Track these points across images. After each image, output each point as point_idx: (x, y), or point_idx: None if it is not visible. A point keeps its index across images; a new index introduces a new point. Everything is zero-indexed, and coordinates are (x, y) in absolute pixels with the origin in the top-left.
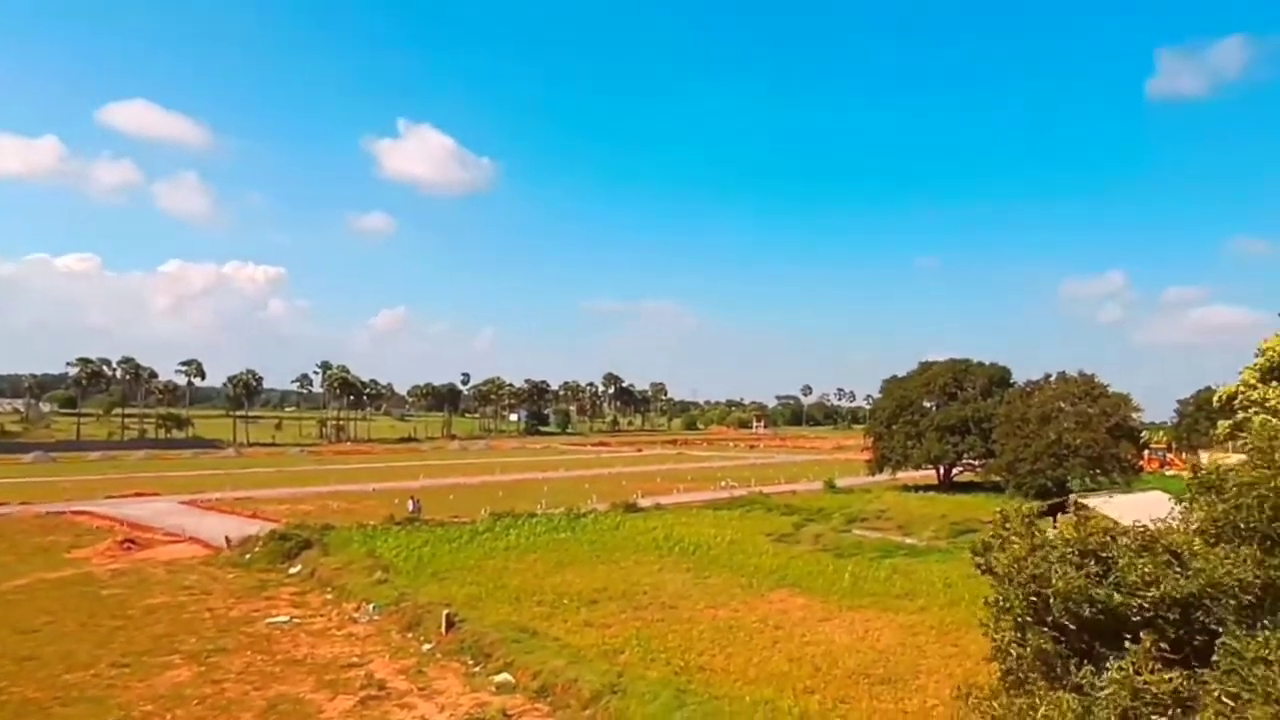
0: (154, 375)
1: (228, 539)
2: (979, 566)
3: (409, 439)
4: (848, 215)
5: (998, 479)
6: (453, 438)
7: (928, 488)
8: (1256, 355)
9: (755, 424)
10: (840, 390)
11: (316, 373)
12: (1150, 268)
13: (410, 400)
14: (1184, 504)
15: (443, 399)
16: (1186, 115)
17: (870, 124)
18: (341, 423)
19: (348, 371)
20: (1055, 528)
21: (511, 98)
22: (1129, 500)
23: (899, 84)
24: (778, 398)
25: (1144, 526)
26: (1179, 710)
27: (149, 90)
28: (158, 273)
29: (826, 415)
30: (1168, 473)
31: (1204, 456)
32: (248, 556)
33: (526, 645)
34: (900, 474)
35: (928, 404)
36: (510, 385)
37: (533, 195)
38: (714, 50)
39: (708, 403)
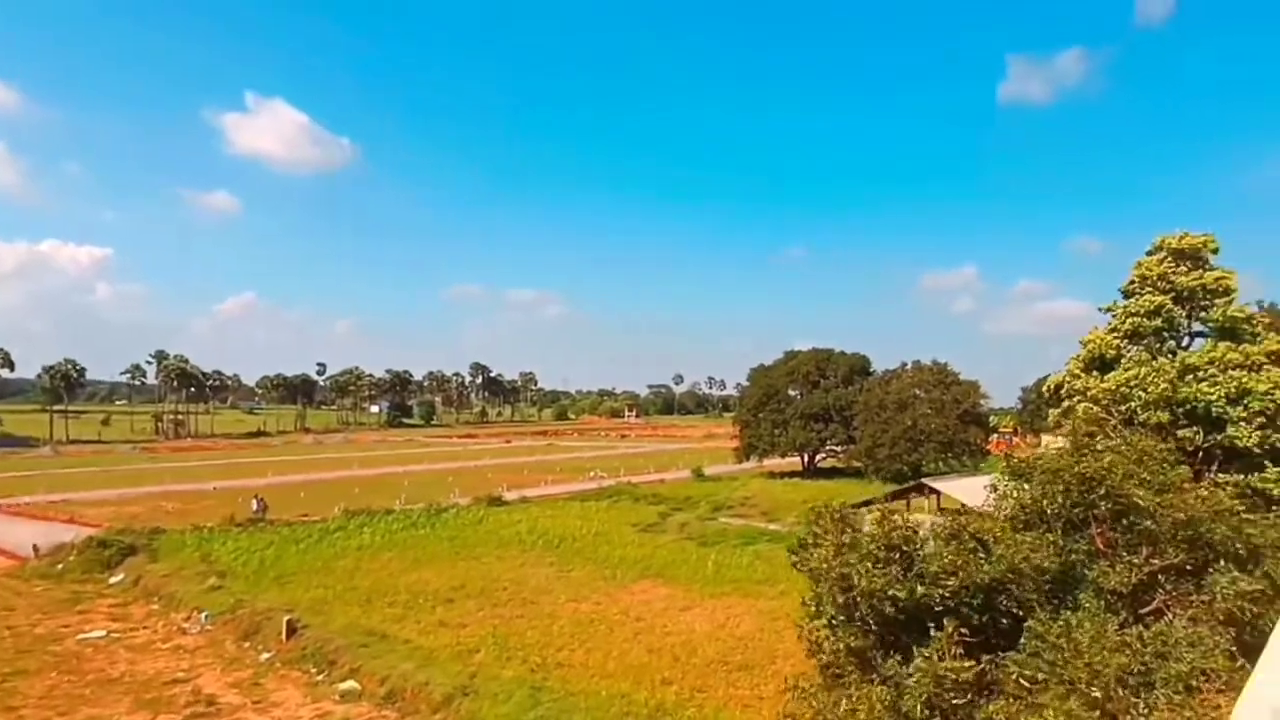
0: None
1: (36, 548)
2: (795, 565)
3: (258, 433)
4: (715, 206)
5: (859, 464)
6: (307, 431)
7: (793, 474)
8: (1081, 347)
9: (627, 413)
10: (711, 379)
11: (150, 363)
12: (1001, 262)
13: (260, 392)
14: (998, 491)
15: (296, 391)
16: (1033, 120)
17: (736, 119)
18: (180, 417)
19: (186, 361)
20: (908, 512)
21: (371, 75)
22: (974, 482)
23: (766, 82)
24: (649, 387)
25: (954, 515)
26: (980, 695)
27: None
28: None
29: (698, 404)
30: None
31: (1044, 440)
32: (60, 566)
33: (375, 649)
34: (767, 461)
35: (793, 392)
36: (370, 376)
37: (395, 178)
38: (585, 40)
39: (579, 392)
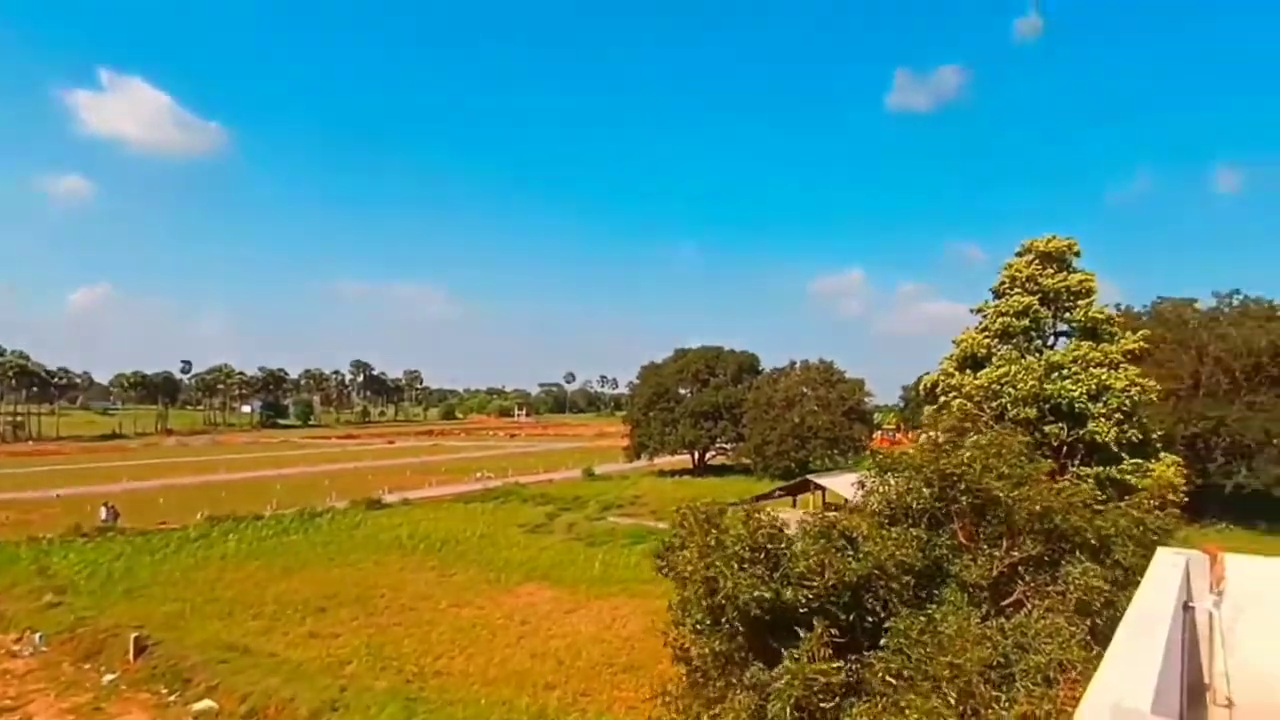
0: None
1: None
2: (660, 569)
3: (113, 435)
4: (606, 202)
5: (748, 461)
6: (169, 433)
7: (683, 472)
8: (954, 346)
9: (517, 412)
10: (603, 377)
11: None
12: (886, 265)
13: (115, 392)
14: (865, 487)
15: (157, 390)
16: (916, 129)
17: (628, 118)
18: (19, 418)
19: (27, 358)
20: (794, 508)
21: (243, 57)
22: (856, 477)
23: (663, 83)
24: (541, 385)
25: (821, 513)
26: (848, 696)
27: None
28: None
29: (590, 402)
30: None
31: (923, 436)
32: None
33: (236, 665)
34: (658, 460)
35: (683, 390)
36: (241, 374)
37: (270, 166)
38: (465, 29)
39: (467, 391)
